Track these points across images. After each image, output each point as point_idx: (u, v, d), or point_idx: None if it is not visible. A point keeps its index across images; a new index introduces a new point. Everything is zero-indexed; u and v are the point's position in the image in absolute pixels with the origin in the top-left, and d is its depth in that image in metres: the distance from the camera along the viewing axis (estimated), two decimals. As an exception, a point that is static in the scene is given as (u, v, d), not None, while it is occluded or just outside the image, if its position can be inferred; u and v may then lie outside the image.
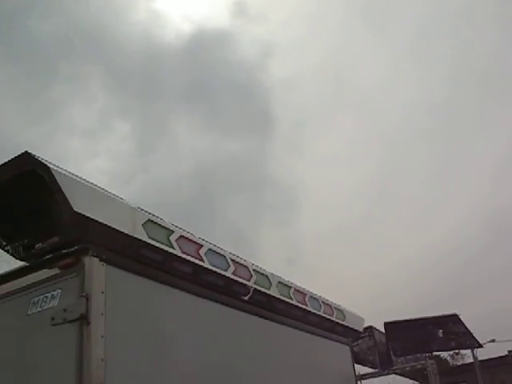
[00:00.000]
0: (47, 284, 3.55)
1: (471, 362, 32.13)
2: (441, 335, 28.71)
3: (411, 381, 34.21)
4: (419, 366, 25.26)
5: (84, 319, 3.26)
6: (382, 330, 23.18)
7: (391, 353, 25.27)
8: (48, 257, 3.55)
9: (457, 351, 42.51)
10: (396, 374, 27.28)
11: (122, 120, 63.35)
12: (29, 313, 3.57)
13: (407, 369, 25.66)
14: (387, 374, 24.37)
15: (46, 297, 3.52)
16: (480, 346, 29.78)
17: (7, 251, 3.66)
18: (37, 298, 3.57)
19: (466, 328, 27.33)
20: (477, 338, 28.89)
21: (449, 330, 27.79)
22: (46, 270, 3.58)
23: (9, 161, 3.40)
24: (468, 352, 35.94)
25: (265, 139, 76.82)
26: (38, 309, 3.54)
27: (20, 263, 3.77)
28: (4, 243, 3.66)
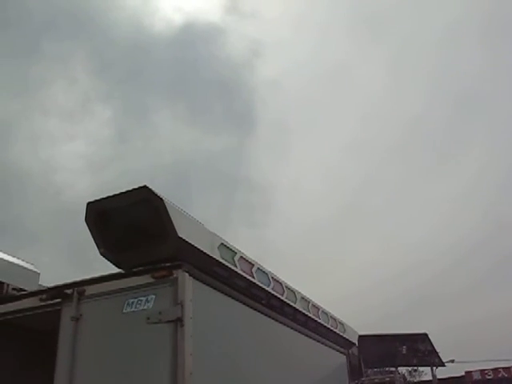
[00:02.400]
0: (142, 289, 4.41)
1: (429, 380, 33.54)
2: (404, 351, 30.02)
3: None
4: (388, 379, 26.47)
5: (179, 321, 4.14)
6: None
7: (362, 365, 26.41)
8: (146, 268, 4.41)
9: (415, 368, 44.06)
10: (364, 384, 28.43)
11: (103, 105, 62.61)
12: (124, 311, 4.43)
13: (376, 381, 26.88)
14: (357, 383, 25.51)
15: (141, 300, 4.39)
16: (443, 364, 31.14)
17: (115, 263, 4.52)
18: (132, 300, 4.43)
19: (433, 347, 28.65)
20: (440, 357, 30.26)
21: (417, 347, 29.10)
22: (141, 277, 4.45)
23: (131, 190, 4.27)
24: (425, 369, 37.43)
25: (244, 139, 77.17)
26: (133, 309, 4.39)
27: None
28: (113, 256, 4.51)
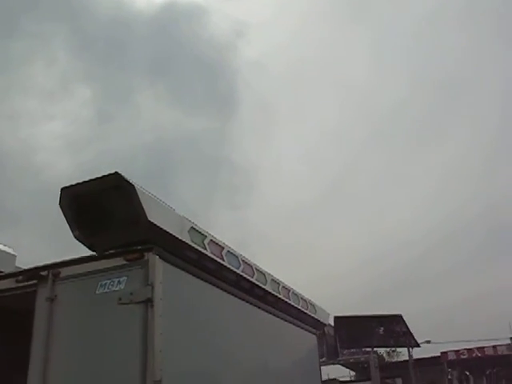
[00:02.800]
0: (115, 271, 4.61)
1: (406, 360, 34.27)
2: (382, 332, 30.64)
3: (352, 372, 36.11)
4: (362, 359, 27.05)
5: (150, 302, 4.35)
6: (331, 323, 24.76)
7: (338, 345, 26.97)
8: (118, 251, 4.61)
9: (393, 349, 44.96)
10: (340, 364, 29.02)
11: (83, 84, 61.80)
12: (97, 292, 4.62)
13: (351, 360, 27.49)
14: (333, 363, 26.06)
15: (113, 281, 4.58)
16: (417, 345, 31.90)
17: (89, 246, 4.70)
18: (104, 282, 4.62)
19: (408, 328, 29.31)
20: (415, 337, 30.94)
21: (391, 328, 29.76)
22: (113, 259, 4.64)
23: (102, 176, 4.45)
24: (403, 350, 38.19)
25: (227, 120, 76.76)
26: (106, 290, 4.59)
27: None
28: (86, 239, 4.69)
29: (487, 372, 42.12)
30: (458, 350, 38.42)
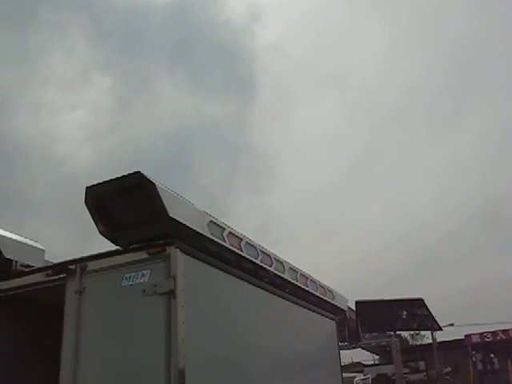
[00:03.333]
0: (138, 265, 4.86)
1: (430, 343, 34.38)
2: (404, 316, 30.75)
3: (375, 355, 36.30)
4: (384, 343, 27.26)
5: (172, 293, 4.60)
6: (353, 307, 24.97)
7: (360, 329, 27.18)
8: (142, 245, 4.86)
9: (417, 332, 45.01)
10: (362, 348, 29.33)
11: (102, 73, 62.17)
12: (122, 284, 4.88)
13: (373, 344, 27.78)
14: (354, 347, 26.36)
15: (137, 274, 4.84)
16: (440, 328, 31.96)
17: (113, 241, 4.97)
18: (129, 275, 4.88)
19: (429, 311, 29.40)
20: (438, 321, 31.00)
21: (413, 312, 29.86)
22: (137, 253, 4.90)
23: (125, 175, 4.69)
24: (427, 333, 38.31)
25: (245, 105, 76.84)
26: (131, 282, 4.85)
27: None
28: (110, 235, 4.96)
29: (512, 354, 41.77)
30: (482, 333, 38.40)
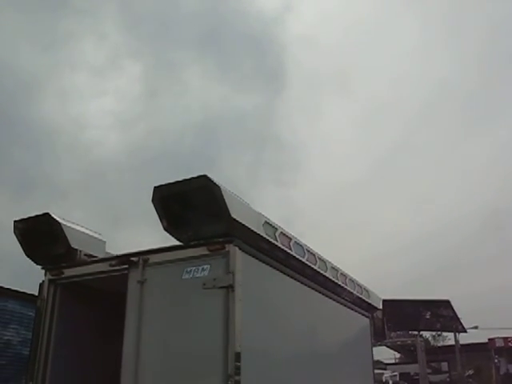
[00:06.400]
0: (199, 260, 5.27)
1: (452, 345, 34.38)
2: (429, 317, 30.87)
3: (396, 354, 36.38)
4: (409, 342, 27.40)
5: (231, 287, 5.00)
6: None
7: (385, 327, 27.43)
8: (203, 242, 5.27)
9: (439, 333, 44.95)
10: (387, 346, 29.52)
11: (132, 61, 62.10)
12: (183, 277, 5.30)
13: (398, 343, 27.94)
14: (380, 345, 26.57)
15: (198, 268, 5.25)
16: (464, 330, 31.97)
17: (176, 237, 5.38)
18: (189, 268, 5.29)
19: (455, 313, 29.51)
20: (462, 323, 31.02)
21: (439, 313, 29.96)
22: (198, 249, 5.30)
23: (192, 178, 5.10)
24: (449, 334, 38.29)
25: (274, 96, 76.46)
26: (191, 276, 5.26)
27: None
28: (174, 231, 5.38)
29: (536, 360, 41.56)
30: (506, 337, 38.16)
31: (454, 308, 29.63)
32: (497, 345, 38.36)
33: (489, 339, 38.06)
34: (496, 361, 39.37)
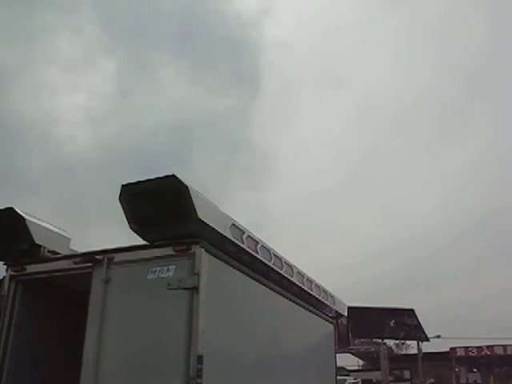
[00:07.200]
0: (164, 260, 5.23)
1: (415, 353, 34.84)
2: (393, 325, 31.23)
3: (360, 361, 36.64)
4: (373, 349, 27.63)
5: (195, 289, 4.97)
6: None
7: (350, 334, 27.64)
8: (169, 242, 5.23)
9: (402, 341, 45.49)
10: (351, 353, 29.70)
11: (107, 58, 61.49)
12: (147, 277, 5.25)
13: (362, 350, 28.15)
14: (343, 352, 26.70)
15: (163, 269, 5.21)
16: (427, 339, 32.47)
17: (142, 236, 5.34)
18: (155, 268, 5.25)
19: (419, 322, 29.96)
20: (425, 332, 31.44)
21: (403, 321, 30.35)
22: (163, 249, 5.26)
23: (161, 177, 5.06)
24: (412, 343, 38.76)
25: (248, 100, 76.50)
26: (156, 276, 5.21)
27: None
28: (141, 231, 5.33)
29: (495, 370, 42.44)
30: (467, 347, 38.89)
31: (418, 317, 30.01)
32: (458, 354, 39.06)
33: (450, 348, 38.70)
34: (457, 370, 40.06)
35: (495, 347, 38.06)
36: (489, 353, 38.36)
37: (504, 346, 37.58)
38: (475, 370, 42.14)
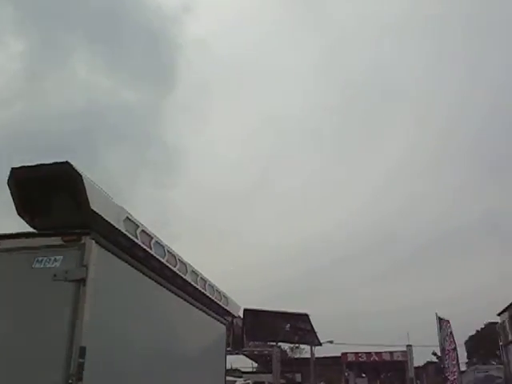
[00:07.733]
0: (52, 250, 5.05)
1: (308, 358, 35.73)
2: (288, 329, 31.83)
3: (255, 363, 37.03)
4: (266, 352, 28.04)
5: (83, 281, 4.84)
6: (240, 314, 25.54)
7: (244, 336, 27.85)
8: (58, 231, 5.06)
9: (297, 345, 46.58)
10: (244, 355, 29.96)
11: (16, 37, 58.40)
12: (33, 266, 5.05)
13: (255, 352, 28.49)
14: (237, 353, 26.93)
15: (50, 259, 5.03)
16: (319, 344, 33.36)
17: (30, 223, 5.13)
18: (41, 258, 5.06)
19: (312, 327, 30.69)
20: (318, 337, 32.32)
21: (298, 325, 30.98)
22: (52, 238, 5.09)
23: (55, 163, 4.88)
24: (306, 347, 39.76)
25: (163, 96, 75.46)
26: (42, 266, 5.03)
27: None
28: (30, 218, 5.12)
29: (382, 375, 44.52)
30: (357, 353, 40.48)
31: (312, 322, 30.76)
32: (348, 359, 40.51)
33: (342, 353, 40.03)
34: (346, 374, 41.50)
35: (383, 353, 39.79)
36: (377, 359, 40.06)
37: (391, 353, 39.38)
38: (364, 375, 44.00)
